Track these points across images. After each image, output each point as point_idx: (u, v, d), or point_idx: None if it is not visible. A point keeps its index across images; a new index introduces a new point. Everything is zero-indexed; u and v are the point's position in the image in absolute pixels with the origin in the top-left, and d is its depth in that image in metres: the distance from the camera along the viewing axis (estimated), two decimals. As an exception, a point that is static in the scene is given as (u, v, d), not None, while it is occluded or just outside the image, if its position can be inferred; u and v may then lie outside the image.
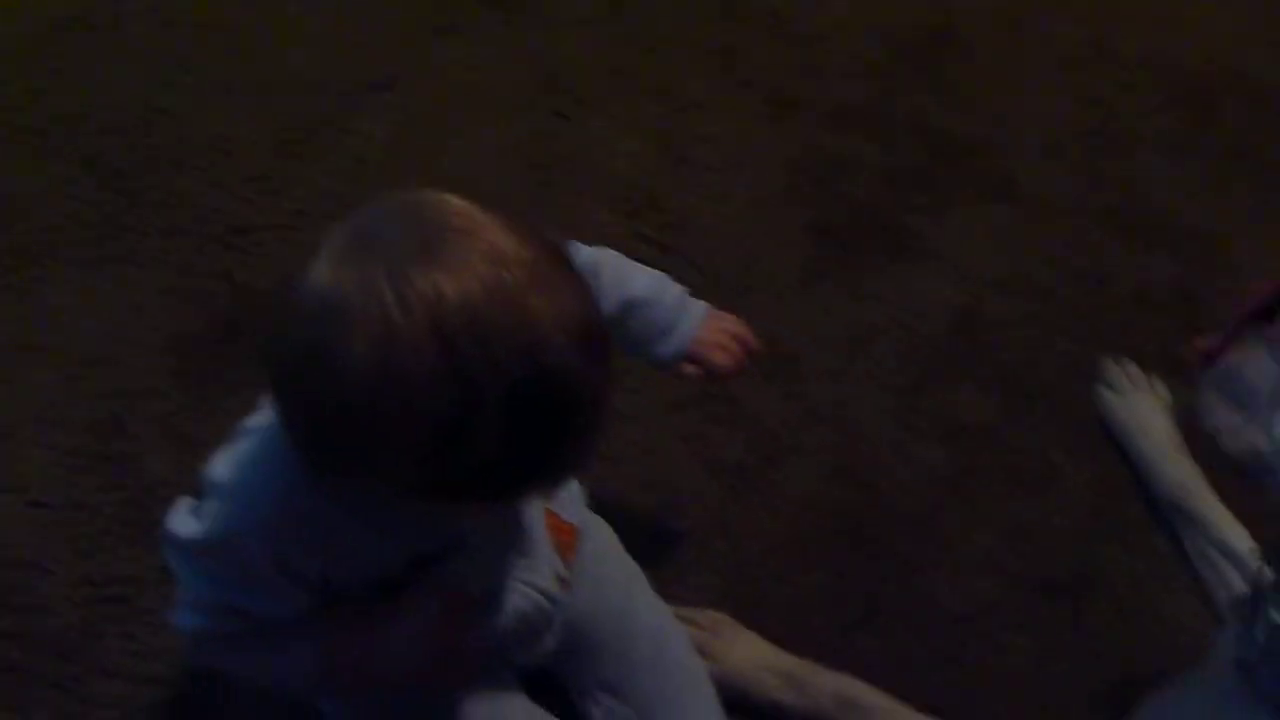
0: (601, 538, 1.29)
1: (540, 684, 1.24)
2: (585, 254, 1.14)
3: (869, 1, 2.12)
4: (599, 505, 1.31)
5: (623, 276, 1.17)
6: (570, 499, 1.22)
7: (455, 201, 0.84)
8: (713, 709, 1.24)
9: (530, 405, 0.80)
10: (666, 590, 1.35)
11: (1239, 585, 1.40)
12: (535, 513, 1.14)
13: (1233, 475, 1.46)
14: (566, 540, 1.19)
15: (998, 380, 1.63)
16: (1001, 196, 1.85)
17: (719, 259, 1.73)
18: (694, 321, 1.21)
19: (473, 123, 1.84)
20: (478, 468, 0.81)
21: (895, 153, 1.89)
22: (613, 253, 1.18)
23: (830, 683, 1.31)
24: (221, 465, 0.95)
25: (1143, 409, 1.57)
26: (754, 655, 1.34)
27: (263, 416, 0.95)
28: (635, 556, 1.33)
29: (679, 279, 1.60)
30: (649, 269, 1.21)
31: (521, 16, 2.04)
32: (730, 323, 1.24)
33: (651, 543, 1.43)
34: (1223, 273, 1.79)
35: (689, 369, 1.21)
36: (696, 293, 1.61)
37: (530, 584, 1.12)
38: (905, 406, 1.60)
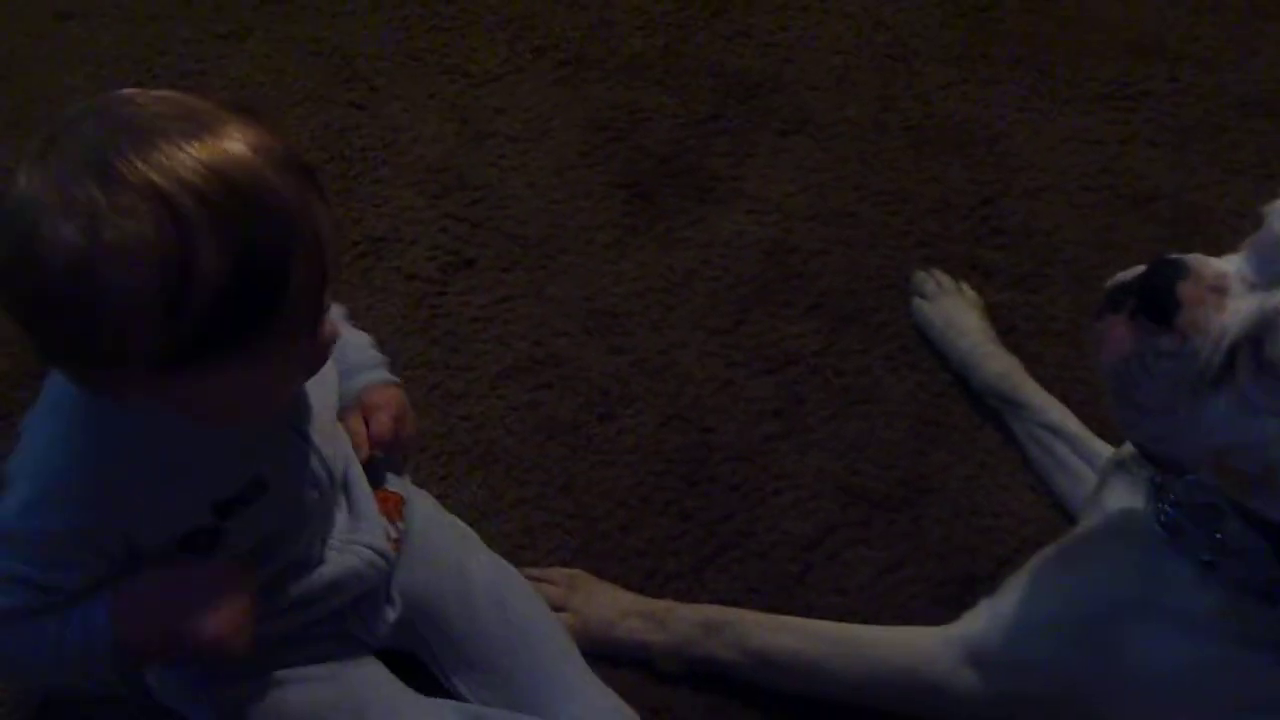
0: (427, 506, 1.31)
1: (408, 669, 1.25)
2: None
3: (648, -45, 2.13)
4: (440, 483, 1.33)
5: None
6: (394, 476, 1.24)
7: (142, 92, 0.89)
8: (567, 654, 1.26)
9: (244, 230, 0.85)
10: (519, 557, 1.38)
11: (1071, 461, 1.48)
12: (357, 476, 1.18)
13: (1043, 364, 1.55)
14: (394, 505, 1.23)
15: (815, 307, 1.67)
16: (799, 129, 1.89)
17: (530, 227, 1.74)
18: (376, 379, 1.26)
19: (271, 122, 1.82)
20: (214, 310, 0.85)
21: (691, 100, 1.92)
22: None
23: (691, 613, 1.34)
24: (17, 456, 0.98)
25: (955, 311, 1.63)
26: (614, 603, 1.37)
27: (42, 401, 0.98)
28: (483, 531, 1.35)
29: (492, 252, 1.63)
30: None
31: (307, 11, 2.03)
32: (400, 402, 1.27)
33: (497, 513, 1.45)
34: (1015, 173, 1.86)
35: (358, 426, 1.23)
36: (512, 262, 1.64)
37: (359, 542, 1.16)
38: (729, 345, 1.63)
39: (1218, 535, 1.10)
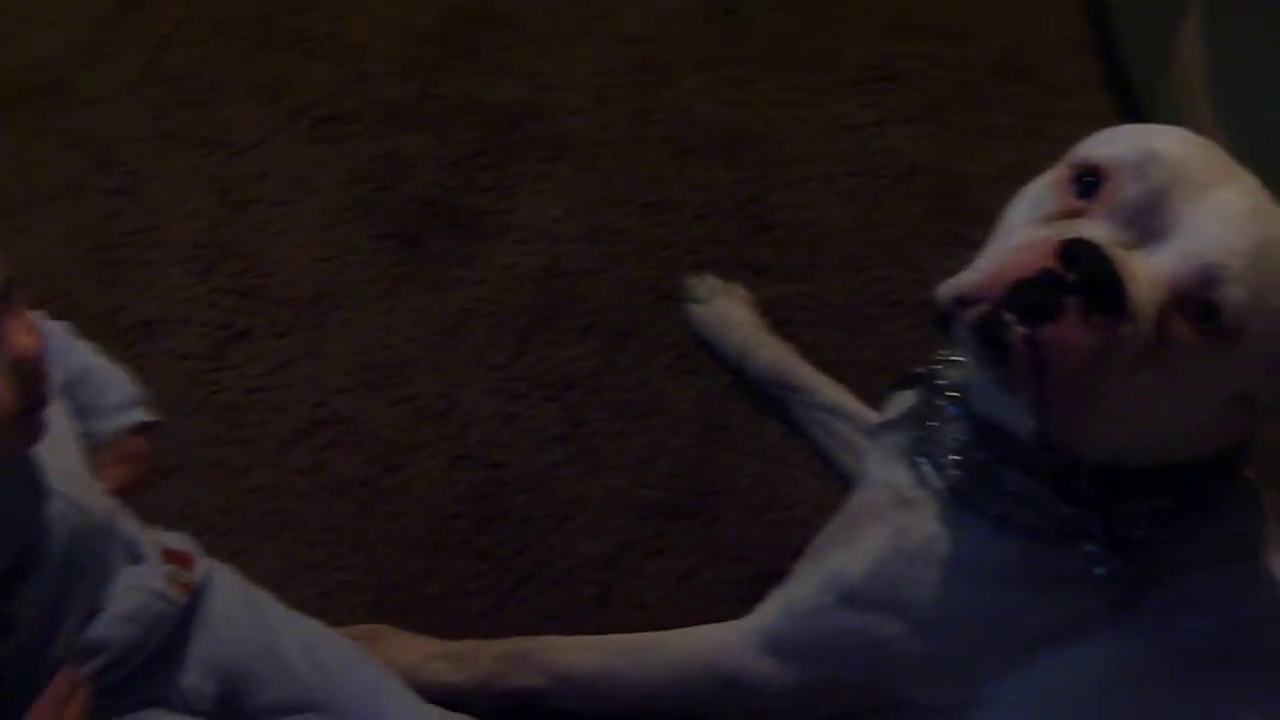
0: (225, 575, 1.29)
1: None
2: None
3: (386, 4, 2.13)
4: (233, 560, 1.31)
5: (85, 351, 1.20)
6: (185, 541, 1.22)
7: None
8: (388, 682, 1.25)
9: None
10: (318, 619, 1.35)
11: (854, 438, 1.51)
12: (132, 528, 1.15)
13: (822, 350, 1.58)
14: (183, 561, 1.20)
15: (591, 327, 1.68)
16: (561, 155, 1.90)
17: (301, 289, 1.73)
18: (126, 423, 1.22)
19: (30, 219, 1.80)
20: None
21: (452, 140, 1.92)
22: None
23: (495, 647, 1.34)
24: None
25: (727, 310, 1.66)
26: (417, 650, 1.36)
27: None
28: (280, 601, 1.34)
29: (265, 320, 1.61)
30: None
31: (57, 105, 1.99)
32: (143, 449, 1.24)
33: (293, 581, 1.43)
34: (777, 168, 1.89)
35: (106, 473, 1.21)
36: (286, 327, 1.63)
37: (138, 585, 1.13)
38: (509, 378, 1.63)
39: (1008, 490, 1.13)
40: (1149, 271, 0.97)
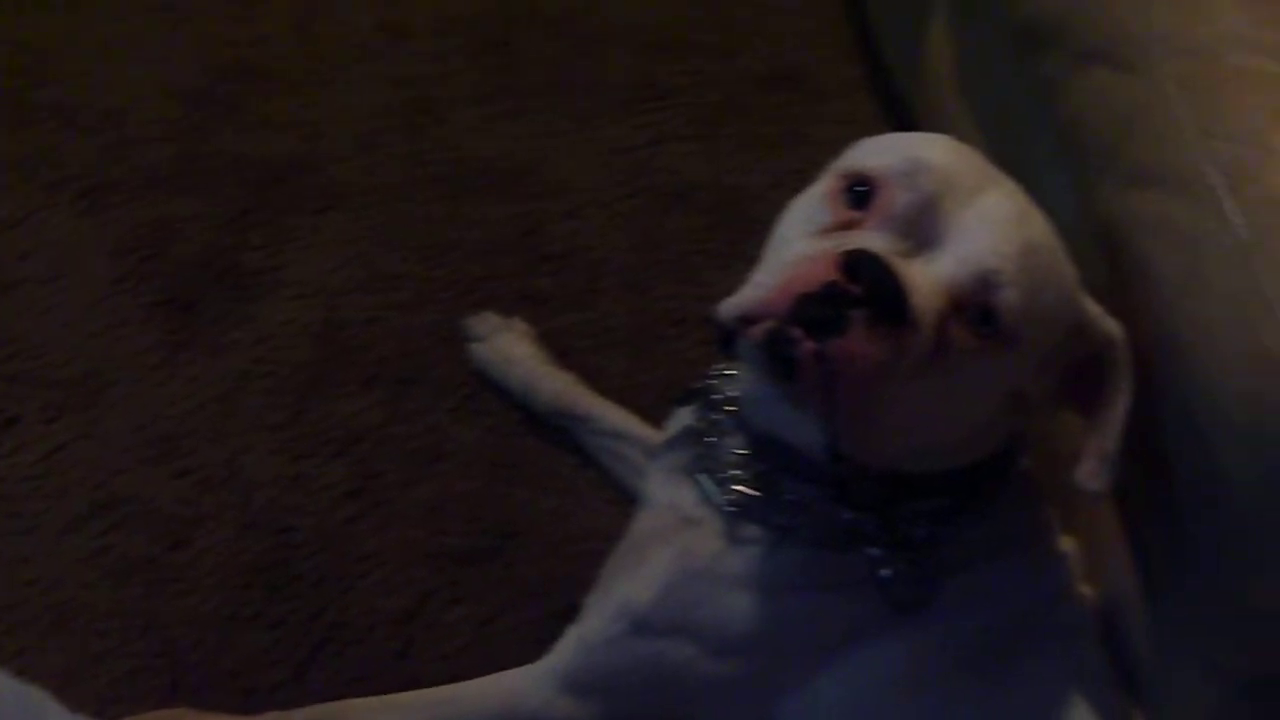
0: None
1: None
2: None
3: (143, 66, 2.08)
4: (17, 659, 1.25)
5: None
6: None
7: None
8: None
9: None
10: (112, 712, 1.33)
11: (643, 462, 1.48)
12: None
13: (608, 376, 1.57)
14: None
15: (373, 378, 1.66)
16: (333, 204, 1.87)
17: (71, 369, 1.68)
18: None
19: None
20: None
21: (220, 200, 1.88)
22: None
23: (294, 717, 1.31)
24: None
25: (508, 345, 1.65)
26: (218, 728, 1.32)
27: None
28: (70, 697, 1.31)
29: (36, 405, 1.56)
30: None
31: None
32: None
33: (82, 674, 1.39)
34: (554, 198, 1.88)
35: None
36: (58, 410, 1.58)
37: None
38: (293, 438, 1.60)
39: (788, 499, 1.14)
40: (927, 279, 0.98)
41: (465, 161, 1.92)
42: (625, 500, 1.52)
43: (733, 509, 1.17)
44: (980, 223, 1.01)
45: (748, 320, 0.99)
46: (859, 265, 0.93)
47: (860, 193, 1.03)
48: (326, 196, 1.88)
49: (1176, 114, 1.06)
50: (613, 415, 1.57)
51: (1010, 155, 1.25)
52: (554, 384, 1.61)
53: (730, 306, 1.02)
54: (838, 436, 1.03)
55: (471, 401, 1.64)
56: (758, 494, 1.16)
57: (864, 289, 0.92)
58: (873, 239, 0.98)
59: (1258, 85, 1.05)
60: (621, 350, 1.70)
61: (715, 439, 1.20)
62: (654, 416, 1.54)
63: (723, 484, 1.18)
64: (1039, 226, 1.05)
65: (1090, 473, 1.07)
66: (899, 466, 1.10)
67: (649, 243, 1.83)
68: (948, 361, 0.99)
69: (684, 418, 1.27)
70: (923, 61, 1.77)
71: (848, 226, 1.03)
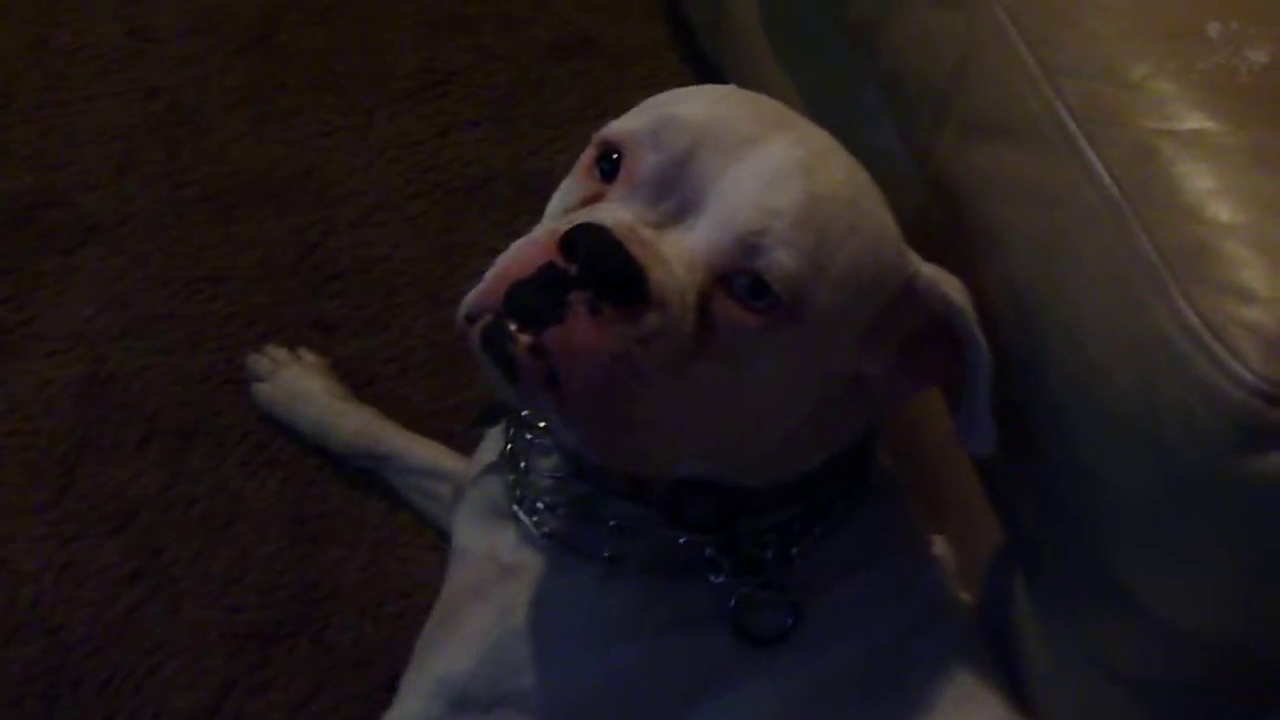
0: None
1: None
2: None
3: None
4: None
5: None
6: None
7: None
8: None
9: None
10: None
11: (446, 494, 1.33)
12: None
13: (413, 404, 1.39)
14: None
15: (149, 437, 1.47)
16: (86, 241, 1.66)
17: None
18: None
19: None
20: None
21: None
22: None
23: None
24: None
25: (297, 382, 1.47)
26: None
27: None
28: None
29: None
30: None
31: None
32: None
33: None
34: (337, 206, 1.71)
35: None
36: None
37: None
38: (60, 518, 1.41)
39: (611, 524, 0.99)
40: (681, 250, 0.84)
41: (233, 175, 1.72)
42: (447, 544, 1.35)
43: (553, 544, 1.01)
44: (748, 178, 0.85)
45: (470, 318, 0.85)
46: (575, 241, 0.79)
47: (611, 163, 0.89)
48: (76, 233, 1.66)
49: (1015, 50, 0.90)
50: (422, 450, 1.40)
51: (831, 111, 1.10)
52: (352, 421, 1.43)
53: (463, 305, 0.87)
54: (581, 441, 0.88)
55: (261, 451, 1.46)
56: (578, 521, 1.00)
57: (581, 266, 0.79)
58: (613, 210, 0.84)
59: (1106, 8, 0.90)
60: (426, 373, 1.52)
61: (526, 463, 1.03)
62: (469, 445, 1.36)
63: (539, 515, 1.01)
64: (832, 175, 0.89)
65: (967, 435, 0.94)
66: (718, 475, 0.96)
67: (448, 245, 1.65)
68: (718, 345, 0.84)
69: (493, 444, 1.10)
70: (726, 13, 1.61)
71: (597, 198, 0.89)
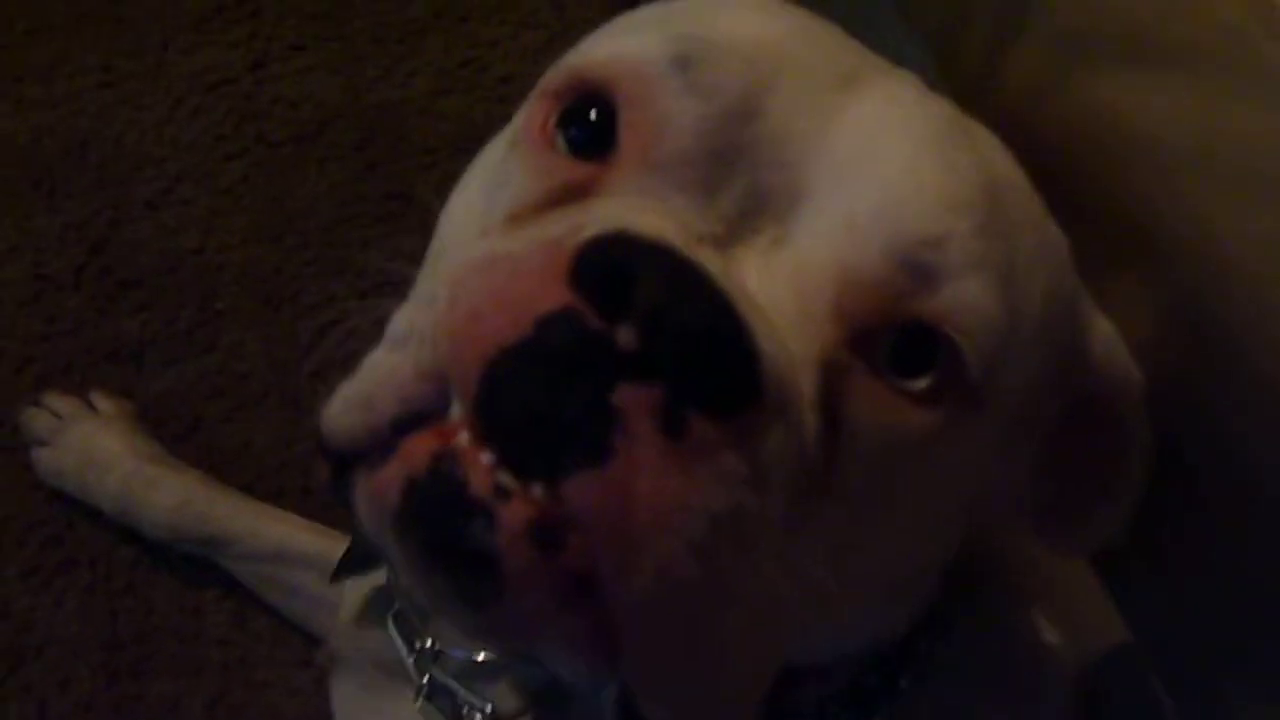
0: None
1: None
2: None
3: None
4: None
5: None
6: None
7: None
8: None
9: None
10: None
11: (324, 592, 0.93)
12: None
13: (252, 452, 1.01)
14: None
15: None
16: None
17: None
18: None
19: None
20: None
21: None
22: None
23: None
24: None
25: (90, 441, 1.08)
26: None
27: None
28: None
29: None
30: None
31: None
32: None
33: None
34: (120, 185, 1.30)
35: None
36: None
37: None
38: None
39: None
40: (776, 290, 0.44)
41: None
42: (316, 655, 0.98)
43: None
44: (883, 143, 0.47)
45: (370, 444, 0.44)
46: (616, 271, 0.40)
47: (592, 125, 0.48)
48: None
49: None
50: (268, 526, 1.03)
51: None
52: (168, 492, 1.05)
53: (336, 418, 0.46)
54: (638, 696, 0.46)
55: (54, 550, 1.05)
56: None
57: (643, 329, 0.40)
58: (635, 209, 0.45)
59: None
60: (267, 408, 1.13)
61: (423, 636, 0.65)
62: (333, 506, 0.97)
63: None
64: (993, 145, 0.52)
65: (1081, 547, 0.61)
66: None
67: (280, 222, 1.25)
68: (850, 464, 0.45)
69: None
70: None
71: (577, 194, 0.48)
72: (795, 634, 0.48)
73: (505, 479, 0.40)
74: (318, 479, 0.99)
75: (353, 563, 0.69)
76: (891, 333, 0.45)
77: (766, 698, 0.50)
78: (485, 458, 0.40)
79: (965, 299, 0.45)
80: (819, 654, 0.57)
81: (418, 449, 0.41)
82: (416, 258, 0.54)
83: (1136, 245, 0.53)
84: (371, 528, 0.44)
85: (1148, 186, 0.53)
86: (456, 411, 0.41)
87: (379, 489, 0.42)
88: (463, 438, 0.41)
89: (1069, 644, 0.74)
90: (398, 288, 0.52)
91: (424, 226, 0.55)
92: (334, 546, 0.95)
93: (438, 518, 0.41)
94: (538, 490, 0.40)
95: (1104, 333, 0.55)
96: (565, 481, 0.39)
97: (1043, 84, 0.61)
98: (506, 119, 0.55)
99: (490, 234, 0.49)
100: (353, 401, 0.45)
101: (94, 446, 1.08)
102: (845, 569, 0.47)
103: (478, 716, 0.61)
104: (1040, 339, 0.49)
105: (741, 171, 0.46)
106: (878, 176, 0.46)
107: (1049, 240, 0.52)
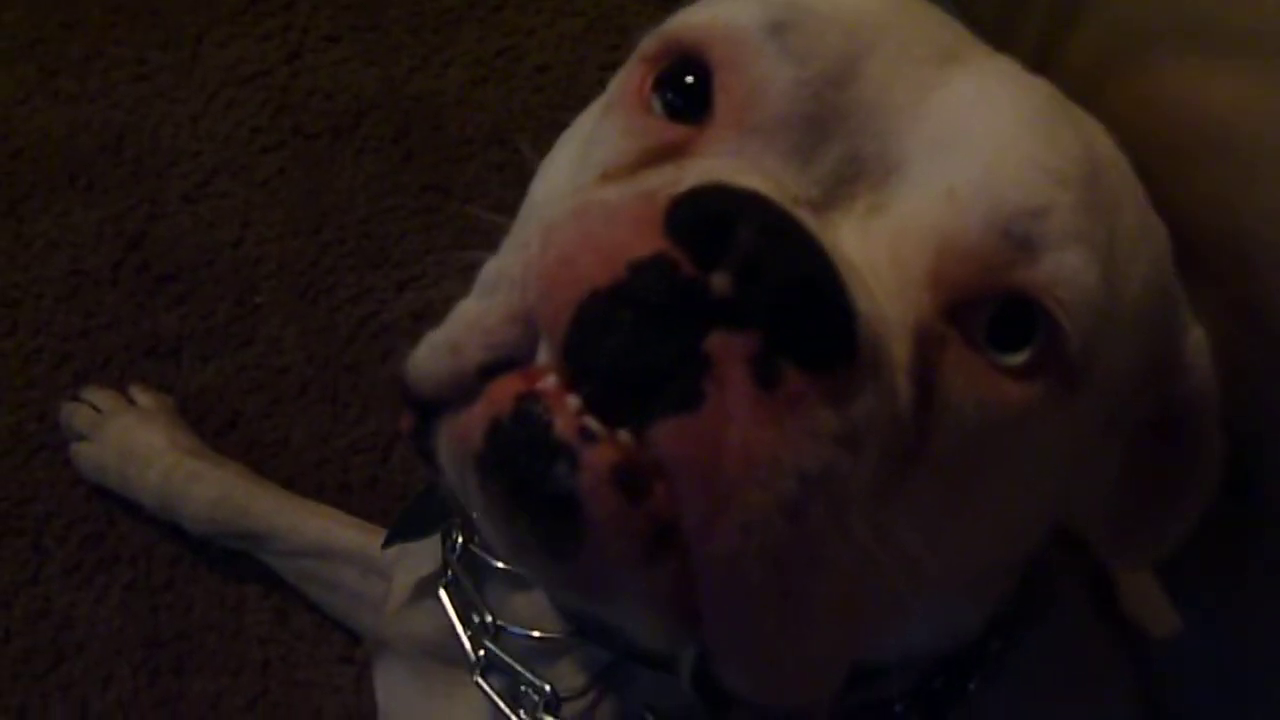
0: None
1: None
2: None
3: None
4: None
5: None
6: None
7: None
8: None
9: None
10: None
11: (368, 587, 0.95)
12: None
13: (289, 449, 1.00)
14: None
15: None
16: None
17: None
18: None
19: None
20: None
21: None
22: None
23: None
24: None
25: (130, 435, 1.07)
26: None
27: None
28: None
29: None
30: None
31: None
32: None
33: None
34: (156, 179, 1.29)
35: None
36: None
37: None
38: None
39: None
40: (872, 254, 0.44)
41: (17, 155, 1.28)
42: (361, 653, 0.97)
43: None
44: (985, 113, 0.47)
45: (456, 390, 0.44)
46: (719, 217, 0.40)
47: (687, 89, 0.49)
48: None
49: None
50: (309, 520, 1.02)
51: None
52: (209, 486, 1.05)
53: (424, 363, 0.46)
54: (717, 661, 0.45)
55: (94, 547, 1.05)
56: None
57: (738, 278, 0.40)
58: (731, 169, 0.45)
59: None
60: (306, 402, 1.13)
61: (484, 608, 0.63)
62: (372, 502, 0.97)
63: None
64: (1094, 125, 0.52)
65: (1142, 557, 0.60)
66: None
67: (317, 215, 1.23)
68: (942, 436, 0.45)
69: (423, 547, 0.70)
70: None
71: (671, 155, 0.48)
72: (884, 614, 0.47)
73: (591, 423, 0.40)
74: (356, 479, 0.98)
75: (406, 528, 0.69)
76: (989, 306, 0.45)
77: (836, 695, 0.48)
78: (571, 401, 0.40)
79: (1066, 270, 0.44)
80: (890, 650, 0.56)
81: (504, 391, 0.41)
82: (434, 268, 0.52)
83: (1210, 243, 0.52)
84: (454, 472, 0.44)
85: (1221, 180, 0.52)
86: (544, 356, 0.41)
87: (463, 431, 0.42)
88: (549, 380, 0.41)
89: (1137, 654, 0.72)
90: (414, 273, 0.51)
91: (437, 224, 0.54)
92: (375, 541, 0.94)
93: (521, 459, 0.41)
94: (624, 435, 0.39)
95: (1196, 338, 0.53)
96: (653, 426, 0.39)
97: (1100, 74, 0.60)
98: (544, 109, 0.54)
99: (584, 191, 0.48)
100: (440, 347, 0.45)
101: (134, 440, 1.07)
102: (935, 545, 0.46)
103: (536, 698, 0.61)
104: (1138, 325, 0.49)
105: (837, 138, 0.46)
106: (979, 149, 0.46)
107: (1150, 225, 0.51)
